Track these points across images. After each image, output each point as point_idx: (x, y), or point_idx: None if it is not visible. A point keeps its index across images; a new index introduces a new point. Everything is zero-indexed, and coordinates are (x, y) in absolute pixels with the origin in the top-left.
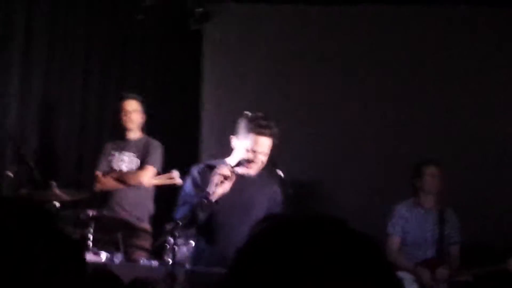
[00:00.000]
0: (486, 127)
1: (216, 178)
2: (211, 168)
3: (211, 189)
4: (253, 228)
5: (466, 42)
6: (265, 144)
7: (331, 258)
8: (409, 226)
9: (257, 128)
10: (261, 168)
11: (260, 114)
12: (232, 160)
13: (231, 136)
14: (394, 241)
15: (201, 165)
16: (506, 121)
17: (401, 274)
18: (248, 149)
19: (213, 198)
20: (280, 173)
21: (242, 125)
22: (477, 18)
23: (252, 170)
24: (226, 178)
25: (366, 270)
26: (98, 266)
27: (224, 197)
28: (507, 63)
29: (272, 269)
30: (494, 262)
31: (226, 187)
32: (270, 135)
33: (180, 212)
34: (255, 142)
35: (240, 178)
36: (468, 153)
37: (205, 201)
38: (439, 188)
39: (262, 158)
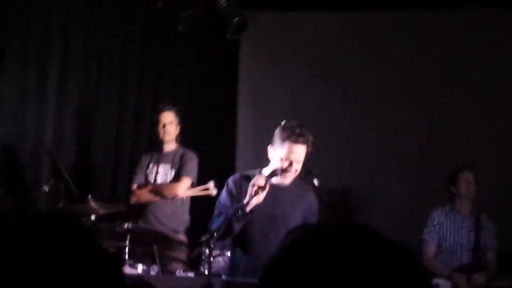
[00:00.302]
0: None
1: (251, 189)
2: (247, 178)
3: (246, 199)
4: (286, 237)
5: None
6: (299, 152)
7: (364, 269)
8: (445, 232)
9: (291, 136)
10: (296, 177)
11: (294, 122)
12: (267, 170)
13: (268, 146)
14: (430, 248)
15: (237, 176)
16: None
17: (438, 280)
18: (283, 158)
19: (248, 208)
20: (315, 181)
21: (277, 134)
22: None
23: (287, 180)
24: (261, 188)
25: (400, 281)
26: (136, 279)
27: (259, 208)
28: None
29: (305, 279)
30: None
31: (260, 197)
32: (304, 143)
33: (216, 223)
34: (290, 151)
35: (275, 188)
36: (502, 156)
37: (240, 212)
38: (475, 194)
39: (297, 167)
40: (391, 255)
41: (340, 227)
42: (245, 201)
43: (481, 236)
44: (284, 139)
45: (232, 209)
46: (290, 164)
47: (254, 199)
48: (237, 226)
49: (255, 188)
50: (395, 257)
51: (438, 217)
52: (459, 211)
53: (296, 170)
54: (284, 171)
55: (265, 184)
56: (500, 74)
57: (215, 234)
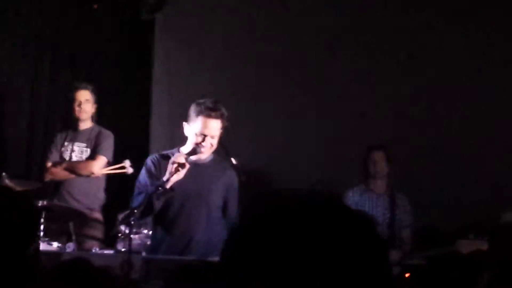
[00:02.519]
0: (433, 110)
1: (171, 167)
2: (165, 158)
3: (165, 177)
4: (247, 206)
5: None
6: (213, 126)
7: (330, 234)
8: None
9: (205, 110)
10: (212, 153)
11: (208, 99)
12: (185, 148)
13: (183, 123)
14: None
15: (155, 155)
16: (451, 104)
17: None
18: (197, 132)
19: (168, 185)
20: (233, 160)
21: (191, 110)
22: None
23: (204, 155)
24: (181, 166)
25: (361, 245)
26: (51, 256)
27: (179, 185)
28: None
29: (267, 247)
30: (444, 245)
31: (180, 174)
32: (218, 117)
33: (136, 201)
34: (204, 125)
35: (195, 166)
36: (418, 137)
37: (161, 189)
38: (384, 173)
39: (211, 141)
40: (353, 220)
41: (306, 193)
42: (164, 178)
43: (396, 214)
44: (198, 114)
45: (152, 186)
46: (204, 138)
47: (174, 177)
48: (157, 204)
49: (175, 165)
50: (357, 223)
51: (352, 196)
52: (374, 190)
53: (211, 145)
54: (198, 145)
55: (185, 162)
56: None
57: (135, 212)
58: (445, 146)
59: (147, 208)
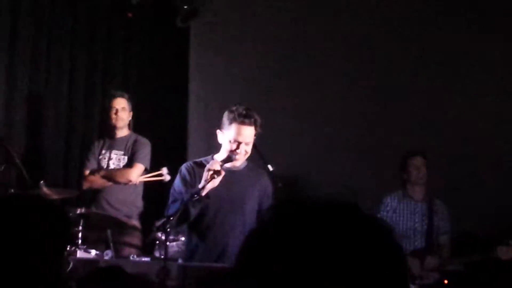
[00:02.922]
0: (470, 117)
1: (206, 174)
2: (200, 165)
3: (201, 184)
4: (264, 214)
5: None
6: (247, 133)
7: (345, 243)
8: (398, 217)
9: (238, 117)
10: (247, 160)
11: (241, 106)
12: (220, 156)
13: (217, 130)
14: None
15: (190, 163)
16: (491, 108)
17: None
18: (231, 139)
19: (204, 193)
20: (270, 166)
21: (224, 117)
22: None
23: (238, 163)
24: (216, 173)
25: (379, 254)
26: (91, 263)
27: (214, 193)
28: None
29: (287, 256)
30: (483, 251)
31: (216, 182)
32: (251, 124)
33: (172, 209)
34: (237, 132)
35: (230, 173)
36: (453, 143)
37: (196, 196)
38: (425, 179)
39: (245, 148)
40: (371, 229)
41: (322, 203)
42: (200, 186)
43: (434, 220)
44: (231, 121)
45: (187, 194)
46: (238, 145)
47: (210, 184)
48: (193, 211)
49: (211, 172)
50: (374, 231)
51: (390, 202)
52: (411, 197)
53: (245, 152)
54: (232, 153)
55: (221, 169)
56: (452, 59)
57: (171, 219)
58: (483, 150)
59: (182, 216)
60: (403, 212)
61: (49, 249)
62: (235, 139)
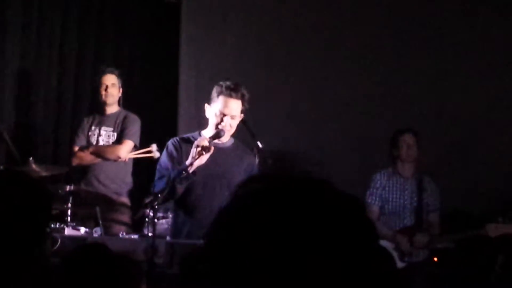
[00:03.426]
0: (462, 92)
1: (194, 151)
2: (187, 141)
3: (188, 161)
4: (236, 188)
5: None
6: (233, 106)
7: (316, 219)
8: (388, 194)
9: (225, 90)
10: (233, 137)
11: (229, 80)
12: (207, 132)
13: (205, 105)
14: (373, 210)
15: (177, 139)
16: (481, 88)
17: (381, 242)
18: (217, 112)
19: (191, 170)
20: (259, 144)
21: (213, 91)
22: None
23: (224, 138)
24: (204, 149)
25: (350, 230)
26: (80, 240)
27: (201, 169)
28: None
29: (257, 231)
30: (472, 228)
31: (203, 159)
32: (238, 98)
33: (158, 186)
34: (224, 105)
35: (216, 149)
36: (445, 120)
37: (184, 173)
38: (415, 156)
39: (230, 122)
40: (343, 206)
41: (293, 179)
42: (187, 163)
43: (424, 197)
44: (218, 94)
45: (174, 171)
46: (222, 118)
47: (197, 161)
48: (179, 189)
49: (199, 149)
50: (346, 208)
51: (380, 179)
52: (401, 174)
53: (230, 126)
54: (217, 126)
55: (209, 145)
56: (444, 38)
57: (158, 196)
58: (475, 128)
59: (169, 193)
60: (392, 189)
61: (29, 225)
62: (221, 111)
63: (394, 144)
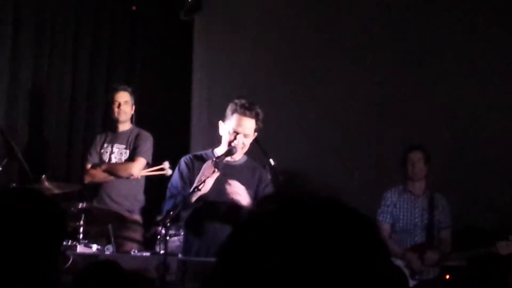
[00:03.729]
0: (472, 110)
1: (198, 179)
2: (199, 159)
3: (193, 187)
4: (252, 208)
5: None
6: (247, 125)
7: (330, 241)
8: (399, 212)
9: (239, 108)
10: (246, 155)
11: (244, 98)
12: (220, 149)
13: (219, 122)
14: (384, 228)
15: (189, 156)
16: (491, 104)
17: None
18: (231, 130)
19: (193, 198)
20: (271, 161)
21: (228, 109)
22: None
23: (237, 156)
24: (209, 177)
25: (363, 249)
26: (92, 258)
27: (213, 186)
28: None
29: (270, 252)
30: (483, 246)
31: (208, 186)
32: (252, 116)
33: (167, 205)
34: (238, 123)
35: (227, 167)
36: (457, 137)
37: (187, 201)
38: (422, 174)
39: (243, 140)
40: (355, 225)
41: (305, 199)
42: (190, 190)
43: (435, 215)
44: (232, 112)
45: (181, 194)
46: (235, 136)
47: (202, 188)
48: (184, 214)
49: (203, 178)
50: (358, 228)
51: (391, 197)
52: (412, 191)
53: (243, 144)
54: (230, 144)
55: (213, 172)
56: (451, 56)
57: (169, 215)
58: (485, 145)
59: (177, 214)
60: (403, 207)
61: (43, 243)
62: (235, 129)
63: (403, 162)
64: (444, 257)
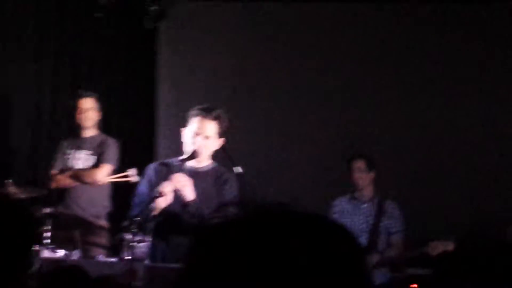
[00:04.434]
0: (425, 117)
1: (156, 196)
2: (166, 166)
3: (153, 203)
4: (219, 213)
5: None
6: (208, 127)
7: (305, 247)
8: (345, 219)
9: (200, 112)
10: (214, 161)
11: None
12: (185, 156)
13: (181, 129)
14: None
15: (156, 164)
16: (445, 111)
17: None
18: (192, 134)
19: (155, 213)
20: (239, 169)
21: (189, 115)
22: (473, 17)
23: (202, 162)
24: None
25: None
26: (58, 263)
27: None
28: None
29: (235, 259)
30: (418, 247)
31: (166, 201)
32: (211, 118)
33: (133, 211)
34: (197, 126)
35: (193, 173)
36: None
37: (149, 216)
38: (366, 182)
39: (205, 143)
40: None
41: (273, 206)
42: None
43: (382, 220)
44: (194, 116)
45: (141, 214)
46: (197, 139)
47: (162, 203)
48: (148, 226)
49: (159, 195)
50: (333, 237)
51: (338, 204)
52: (358, 198)
53: (205, 147)
54: (194, 150)
55: (168, 192)
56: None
57: (135, 221)
58: (424, 151)
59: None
60: (349, 214)
61: (13, 249)
62: (195, 131)
63: (348, 171)
64: (383, 259)
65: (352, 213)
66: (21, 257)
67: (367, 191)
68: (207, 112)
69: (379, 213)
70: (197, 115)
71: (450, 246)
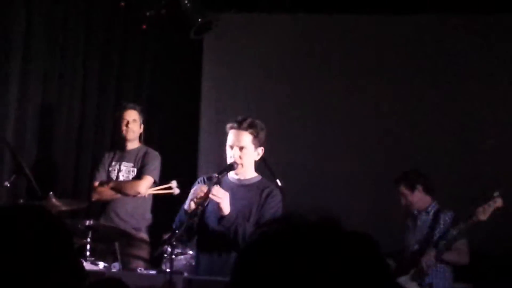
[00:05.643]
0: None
1: (190, 198)
2: (211, 180)
3: (186, 206)
4: (260, 229)
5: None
6: (241, 138)
7: (331, 261)
8: (409, 235)
9: (234, 123)
10: (260, 175)
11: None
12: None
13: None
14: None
15: (202, 178)
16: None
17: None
18: (228, 146)
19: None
20: (279, 182)
21: (226, 129)
22: (472, 25)
23: (241, 171)
24: (202, 198)
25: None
26: (98, 275)
27: (213, 210)
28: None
29: (277, 273)
30: (465, 220)
31: (201, 206)
32: (244, 128)
33: (175, 223)
34: (232, 138)
35: (237, 186)
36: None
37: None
38: (408, 207)
39: (240, 153)
40: (355, 244)
41: (312, 220)
42: (185, 207)
43: (435, 230)
44: (228, 129)
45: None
46: (231, 150)
47: (198, 207)
48: (189, 238)
49: (195, 197)
50: (359, 246)
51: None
52: (414, 214)
53: (240, 158)
54: (228, 160)
55: (206, 193)
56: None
57: (177, 233)
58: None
59: (186, 233)
60: (409, 230)
61: (45, 260)
62: (229, 144)
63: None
64: (439, 251)
65: (412, 228)
66: (57, 272)
67: (418, 206)
68: (239, 123)
69: (434, 223)
70: (231, 127)
71: (498, 203)
